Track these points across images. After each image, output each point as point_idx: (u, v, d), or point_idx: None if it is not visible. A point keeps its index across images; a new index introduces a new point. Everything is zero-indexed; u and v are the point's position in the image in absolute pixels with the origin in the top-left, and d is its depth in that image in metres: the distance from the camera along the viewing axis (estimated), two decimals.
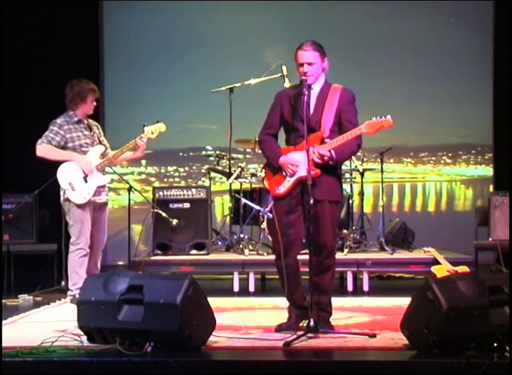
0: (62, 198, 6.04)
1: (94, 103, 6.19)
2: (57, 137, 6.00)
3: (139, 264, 6.79)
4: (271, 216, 7.04)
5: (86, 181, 6.00)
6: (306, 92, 4.64)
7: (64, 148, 6.03)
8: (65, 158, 6.01)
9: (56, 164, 6.04)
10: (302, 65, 4.69)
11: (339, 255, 7.04)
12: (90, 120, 6.29)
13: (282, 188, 4.74)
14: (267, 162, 4.91)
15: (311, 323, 4.39)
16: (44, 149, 5.98)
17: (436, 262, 6.58)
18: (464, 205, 9.90)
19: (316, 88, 4.76)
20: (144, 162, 9.83)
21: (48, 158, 6.01)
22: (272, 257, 6.97)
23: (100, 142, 6.18)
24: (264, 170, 4.95)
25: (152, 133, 6.20)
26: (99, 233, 6.15)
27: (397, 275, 7.93)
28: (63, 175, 5.99)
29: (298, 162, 4.67)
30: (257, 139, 4.97)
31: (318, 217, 4.59)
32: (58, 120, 6.07)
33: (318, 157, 4.58)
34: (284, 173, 4.74)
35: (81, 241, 5.98)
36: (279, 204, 4.78)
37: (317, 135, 4.67)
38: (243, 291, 6.87)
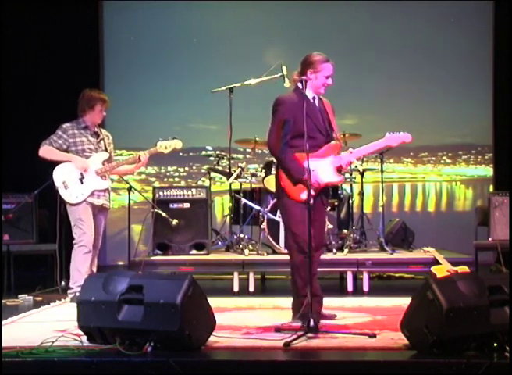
0: (61, 199, 6.15)
1: (104, 113, 6.28)
2: (59, 141, 6.14)
3: (139, 264, 6.80)
4: (271, 216, 7.11)
5: (82, 183, 6.09)
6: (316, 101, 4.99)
7: (66, 151, 6.16)
8: (63, 159, 6.14)
9: (57, 164, 6.14)
10: (330, 77, 4.93)
11: (339, 255, 7.08)
12: (103, 130, 6.41)
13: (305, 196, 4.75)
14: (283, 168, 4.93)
15: (311, 323, 4.39)
16: (44, 150, 6.14)
17: (436, 262, 6.58)
18: (463, 205, 9.91)
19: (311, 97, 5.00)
20: None
21: (47, 158, 6.15)
22: (272, 257, 7.06)
23: (106, 150, 6.24)
24: (279, 172, 4.95)
25: (166, 148, 6.33)
26: (95, 236, 6.17)
27: (397, 275, 7.94)
28: (58, 173, 6.12)
29: (316, 175, 4.79)
30: (273, 148, 4.93)
31: (323, 218, 5.15)
32: (65, 125, 6.22)
33: (346, 164, 5.00)
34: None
35: (83, 238, 6.05)
36: (302, 207, 4.74)
37: (337, 144, 5.00)
38: (243, 291, 6.86)
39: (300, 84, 4.84)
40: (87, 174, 6.11)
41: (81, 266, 6.03)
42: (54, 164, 6.14)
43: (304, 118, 4.64)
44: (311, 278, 4.59)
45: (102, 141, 6.29)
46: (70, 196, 6.08)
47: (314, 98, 4.99)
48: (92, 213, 6.13)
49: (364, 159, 7.75)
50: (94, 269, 6.22)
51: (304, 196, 4.74)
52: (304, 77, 4.80)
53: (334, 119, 5.05)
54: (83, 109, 6.22)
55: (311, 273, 4.60)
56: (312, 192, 4.69)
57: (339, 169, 4.99)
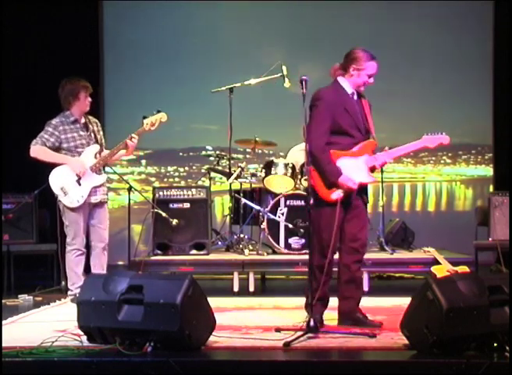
0: (58, 199, 6.07)
1: (89, 99, 6.15)
2: (52, 138, 5.99)
3: (139, 264, 6.79)
4: (271, 216, 7.11)
5: (79, 184, 5.99)
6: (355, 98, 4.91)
7: (59, 148, 6.02)
8: (57, 160, 5.99)
9: (54, 165, 6.02)
10: (372, 76, 4.86)
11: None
12: (90, 117, 6.25)
13: (339, 195, 4.67)
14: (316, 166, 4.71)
15: (311, 323, 4.39)
16: (37, 150, 5.97)
17: (436, 262, 6.58)
18: (463, 205, 9.90)
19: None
20: (144, 162, 9.83)
21: (40, 159, 5.99)
22: (272, 257, 7.06)
23: (96, 140, 6.15)
24: (309, 171, 4.68)
25: (153, 124, 6.13)
26: (99, 231, 6.14)
27: (397, 275, 7.94)
28: (55, 180, 5.99)
29: (350, 174, 4.66)
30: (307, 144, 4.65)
31: (364, 216, 4.87)
32: (54, 121, 6.05)
33: (380, 165, 4.83)
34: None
35: (76, 241, 6.02)
36: (332, 210, 4.65)
37: (373, 142, 4.84)
38: (243, 291, 6.86)
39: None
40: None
41: (76, 267, 6.00)
42: (51, 165, 6.01)
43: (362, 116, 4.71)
44: (310, 279, 4.59)
45: (92, 133, 6.13)
46: (72, 201, 5.96)
47: (353, 94, 4.86)
48: (89, 212, 6.07)
49: None
50: (105, 266, 6.15)
51: (334, 196, 4.64)
52: (303, 77, 4.69)
53: (371, 118, 4.91)
54: (68, 101, 6.05)
55: (310, 273, 4.60)
56: (342, 193, 4.64)
57: (372, 169, 4.85)
